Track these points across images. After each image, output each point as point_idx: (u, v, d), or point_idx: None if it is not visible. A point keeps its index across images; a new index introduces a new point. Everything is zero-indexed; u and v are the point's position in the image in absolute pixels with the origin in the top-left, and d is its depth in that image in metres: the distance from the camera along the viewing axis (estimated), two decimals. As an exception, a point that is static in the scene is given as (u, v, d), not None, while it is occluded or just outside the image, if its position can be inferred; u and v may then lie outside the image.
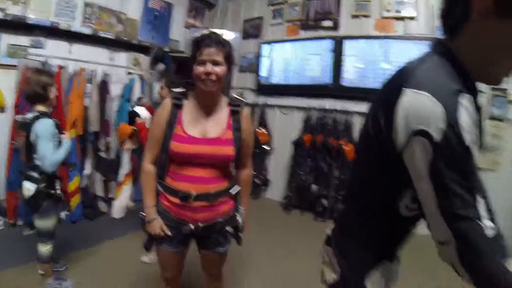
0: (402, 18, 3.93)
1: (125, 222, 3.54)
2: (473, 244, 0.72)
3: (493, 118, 3.68)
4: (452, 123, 0.68)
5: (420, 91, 0.71)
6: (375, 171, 0.90)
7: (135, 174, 3.68)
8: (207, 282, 1.91)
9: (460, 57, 0.78)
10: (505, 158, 3.64)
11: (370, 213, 0.96)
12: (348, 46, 4.08)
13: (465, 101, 0.70)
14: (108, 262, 2.72)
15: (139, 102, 3.72)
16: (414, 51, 3.53)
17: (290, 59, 4.52)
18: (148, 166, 1.60)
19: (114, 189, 3.94)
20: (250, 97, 4.78)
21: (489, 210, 0.72)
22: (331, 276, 1.05)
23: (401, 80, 0.77)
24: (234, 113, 1.58)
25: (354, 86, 4.05)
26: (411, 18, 3.89)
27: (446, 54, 0.80)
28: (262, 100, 4.55)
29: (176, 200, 1.53)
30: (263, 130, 4.53)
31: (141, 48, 4.46)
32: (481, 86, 0.81)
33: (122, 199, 3.71)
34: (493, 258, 0.72)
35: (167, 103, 1.56)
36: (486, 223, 0.70)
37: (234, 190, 1.64)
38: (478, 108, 0.78)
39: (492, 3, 0.69)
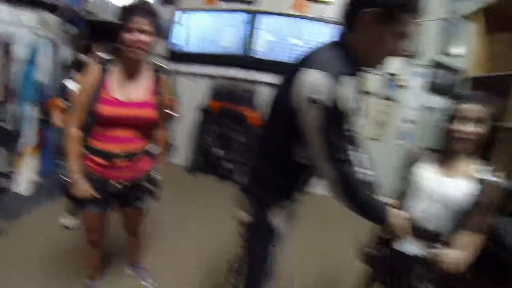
0: (318, 1, 4.21)
1: (33, 198, 3.22)
2: (347, 178, 1.10)
3: (383, 97, 4.42)
4: (337, 95, 0.99)
5: (317, 70, 1.02)
6: (280, 130, 1.21)
7: (42, 147, 3.43)
8: (130, 242, 2.11)
9: (352, 48, 1.12)
10: (391, 130, 4.50)
11: (276, 162, 1.28)
12: (263, 21, 4.30)
13: (347, 80, 1.02)
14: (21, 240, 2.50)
15: (69, 74, 3.43)
16: (325, 32, 4.00)
17: (204, 28, 4.57)
18: (73, 131, 1.62)
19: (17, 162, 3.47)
20: (162, 63, 4.61)
21: (358, 160, 1.14)
22: (246, 217, 1.39)
23: (305, 62, 1.08)
24: (156, 79, 1.72)
25: (264, 58, 4.33)
26: (327, 3, 4.19)
27: (342, 45, 1.13)
28: (173, 67, 4.47)
29: (102, 161, 1.63)
30: (172, 96, 4.45)
31: (50, 7, 3.86)
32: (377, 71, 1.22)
33: (27, 173, 3.35)
34: (362, 191, 1.14)
35: (94, 68, 1.60)
36: (356, 168, 1.11)
37: (153, 149, 1.80)
38: (358, 86, 1.13)
39: (377, 16, 1.05)
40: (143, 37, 1.52)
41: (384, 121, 4.47)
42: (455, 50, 4.29)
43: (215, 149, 4.41)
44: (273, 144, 1.27)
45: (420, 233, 1.39)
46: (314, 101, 1.01)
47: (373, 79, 4.34)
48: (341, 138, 1.07)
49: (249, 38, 4.35)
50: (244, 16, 4.37)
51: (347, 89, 1.01)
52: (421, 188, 1.43)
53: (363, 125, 4.42)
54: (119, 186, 1.69)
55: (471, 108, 1.31)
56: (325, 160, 1.08)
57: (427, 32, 4.33)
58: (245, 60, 4.40)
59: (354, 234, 1.59)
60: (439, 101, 4.27)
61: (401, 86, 4.39)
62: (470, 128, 1.31)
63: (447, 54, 4.34)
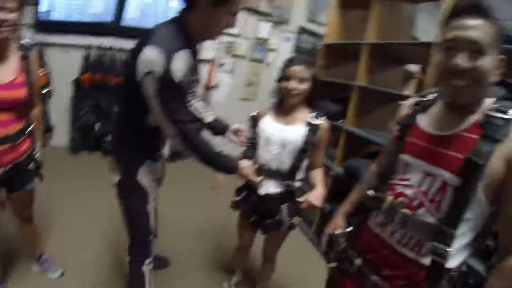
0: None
1: None
2: (188, 135, 1.29)
3: (254, 60, 4.72)
4: (169, 67, 1.15)
5: (153, 46, 1.15)
6: (131, 97, 1.33)
7: None
8: (26, 232, 1.96)
9: (189, 25, 1.27)
10: (262, 90, 4.88)
11: (132, 126, 1.41)
12: None
13: (181, 54, 1.19)
14: None
15: None
16: None
17: None
18: None
19: None
20: (29, 35, 3.81)
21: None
22: (116, 178, 1.47)
23: (146, 38, 1.20)
24: (23, 55, 1.58)
25: (134, 25, 4.11)
26: None
27: (180, 22, 1.28)
28: (41, 38, 3.86)
29: None
30: (42, 71, 3.95)
31: None
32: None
33: None
34: (200, 140, 1.33)
35: None
36: (194, 124, 1.34)
37: (30, 128, 1.69)
38: (195, 58, 1.35)
39: (213, 0, 1.20)
40: (3, 15, 1.36)
41: (255, 82, 4.80)
42: (320, 19, 4.81)
43: (93, 124, 4.07)
44: (128, 109, 1.41)
45: (272, 174, 1.62)
46: (149, 73, 1.16)
47: (244, 44, 4.57)
48: (179, 102, 1.27)
49: (121, 3, 4.02)
50: None
51: (180, 61, 1.18)
52: (266, 137, 1.64)
53: (234, 86, 4.70)
54: (0, 172, 1.53)
55: (295, 69, 1.55)
56: (165, 121, 1.26)
57: (297, 2, 4.77)
58: (115, 28, 4.08)
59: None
60: None
61: (271, 50, 4.76)
62: (294, 85, 1.55)
63: (313, 22, 4.86)
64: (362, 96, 2.75)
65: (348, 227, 1.21)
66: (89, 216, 2.70)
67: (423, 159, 0.96)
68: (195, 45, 1.37)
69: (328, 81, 3.06)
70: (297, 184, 1.65)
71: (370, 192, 1.12)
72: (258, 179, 1.55)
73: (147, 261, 1.57)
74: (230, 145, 1.76)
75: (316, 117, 1.61)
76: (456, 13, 0.87)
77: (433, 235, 0.90)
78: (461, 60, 0.83)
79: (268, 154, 1.62)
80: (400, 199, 0.99)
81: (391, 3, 2.78)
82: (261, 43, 4.70)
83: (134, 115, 1.37)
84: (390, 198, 1.01)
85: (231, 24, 1.32)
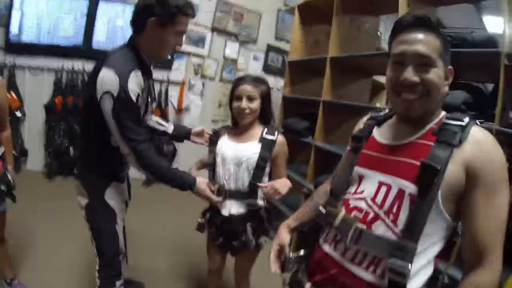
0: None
1: None
2: (141, 153, 1.34)
3: (224, 81, 4.72)
4: (123, 87, 1.25)
5: (109, 68, 1.25)
6: (93, 118, 1.36)
7: None
8: None
9: (141, 47, 1.38)
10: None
11: (96, 147, 1.46)
12: (103, 8, 4.02)
13: (134, 74, 1.28)
14: None
15: None
16: None
17: (43, 15, 3.96)
18: None
19: None
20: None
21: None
22: (84, 201, 1.49)
23: (102, 61, 1.30)
24: None
25: (103, 48, 3.99)
26: None
27: (132, 45, 1.38)
28: (11, 60, 3.81)
29: None
30: (13, 95, 3.83)
31: None
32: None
33: None
34: (153, 158, 1.38)
35: None
36: (148, 143, 1.38)
37: (1, 151, 1.72)
38: (149, 77, 1.46)
39: (158, 23, 1.32)
40: None
41: (226, 102, 4.73)
42: (287, 36, 4.81)
43: (67, 148, 4.01)
44: (91, 131, 1.46)
45: (233, 194, 1.60)
46: (106, 92, 1.25)
47: (212, 65, 4.57)
48: (133, 121, 1.32)
49: (90, 27, 3.99)
50: (84, 3, 3.96)
51: (133, 81, 1.28)
52: (222, 157, 1.63)
53: (205, 108, 4.66)
54: None
55: (244, 89, 1.57)
56: (120, 139, 1.32)
57: (265, 21, 4.82)
58: (86, 51, 4.02)
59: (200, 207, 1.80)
60: (273, 81, 4.78)
61: (240, 70, 4.76)
62: (244, 104, 1.56)
63: (281, 39, 4.92)
64: (329, 111, 2.75)
65: (300, 249, 1.11)
66: (63, 240, 2.65)
67: (377, 170, 0.92)
68: (148, 66, 1.44)
69: (294, 97, 3.06)
70: (260, 202, 1.63)
71: (322, 209, 1.03)
72: (215, 197, 1.54)
73: (118, 282, 1.55)
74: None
75: (270, 132, 1.61)
76: (403, 27, 0.88)
77: (391, 251, 0.82)
78: (410, 74, 0.84)
79: (226, 174, 1.61)
80: (354, 213, 0.92)
81: (352, 16, 2.82)
82: (230, 63, 4.70)
83: (96, 136, 1.41)
84: (342, 213, 0.93)
85: (179, 44, 1.42)
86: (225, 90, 4.72)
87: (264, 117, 1.65)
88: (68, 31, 3.99)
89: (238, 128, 1.66)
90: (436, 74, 0.85)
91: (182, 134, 1.86)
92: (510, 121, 1.82)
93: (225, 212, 1.61)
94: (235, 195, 1.60)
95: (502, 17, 1.72)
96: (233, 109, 1.61)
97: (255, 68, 4.85)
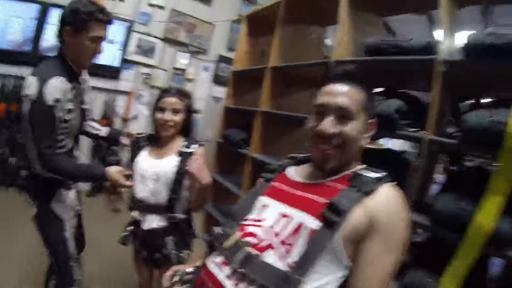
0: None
1: None
2: (47, 157, 1.38)
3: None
4: (41, 91, 1.31)
5: (33, 76, 1.35)
6: (27, 126, 1.39)
7: None
8: None
9: (67, 57, 1.45)
10: None
11: (37, 155, 1.42)
12: (54, 14, 3.76)
13: (55, 79, 1.34)
14: None
15: None
16: (119, 30, 3.79)
17: None
18: None
19: None
20: None
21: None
22: (33, 212, 1.52)
23: (33, 70, 1.41)
24: None
25: (52, 55, 3.78)
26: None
27: (60, 55, 1.47)
28: None
29: None
30: None
31: None
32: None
33: None
34: (59, 160, 1.41)
35: None
36: (56, 149, 1.41)
37: None
38: (75, 81, 1.50)
39: (72, 31, 1.39)
40: None
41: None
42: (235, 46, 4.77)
43: (7, 158, 3.77)
44: (27, 138, 1.45)
45: (152, 208, 1.58)
46: (25, 96, 1.33)
47: (162, 75, 4.45)
48: (46, 127, 1.36)
49: (39, 32, 3.77)
50: (34, 8, 3.74)
51: (53, 86, 1.34)
52: (141, 173, 1.59)
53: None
54: None
55: (169, 101, 1.57)
56: (30, 141, 1.36)
57: (218, 32, 4.74)
58: (34, 57, 3.72)
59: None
60: (222, 91, 4.66)
61: (190, 80, 4.63)
62: (168, 116, 1.56)
63: (233, 50, 4.76)
64: (268, 122, 2.66)
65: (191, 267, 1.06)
66: (7, 254, 2.53)
67: (282, 201, 0.92)
68: (76, 73, 1.52)
69: (235, 108, 3.00)
70: (181, 216, 1.61)
71: (217, 229, 0.99)
72: (128, 182, 1.54)
73: None
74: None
75: (188, 145, 1.60)
76: (329, 79, 0.93)
77: (277, 281, 0.77)
78: (328, 125, 0.87)
79: (145, 190, 1.58)
80: (248, 238, 0.88)
81: (296, 26, 2.76)
82: (180, 74, 4.57)
83: (32, 143, 1.42)
84: (236, 235, 0.90)
85: (97, 50, 1.49)
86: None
87: (186, 130, 1.66)
88: (16, 36, 3.77)
89: (159, 140, 1.65)
90: (355, 127, 0.88)
91: (115, 135, 1.89)
92: (448, 130, 1.76)
93: (145, 226, 1.58)
94: (155, 209, 1.58)
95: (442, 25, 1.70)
96: (155, 120, 1.59)
97: (204, 78, 4.75)
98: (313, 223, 0.82)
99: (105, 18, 1.45)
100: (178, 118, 1.58)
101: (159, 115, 1.57)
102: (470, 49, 1.51)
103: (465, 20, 2.78)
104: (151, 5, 4.22)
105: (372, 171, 0.88)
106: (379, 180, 0.85)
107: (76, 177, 1.49)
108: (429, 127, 1.61)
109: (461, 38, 1.65)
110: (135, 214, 1.59)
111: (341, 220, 0.79)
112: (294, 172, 1.02)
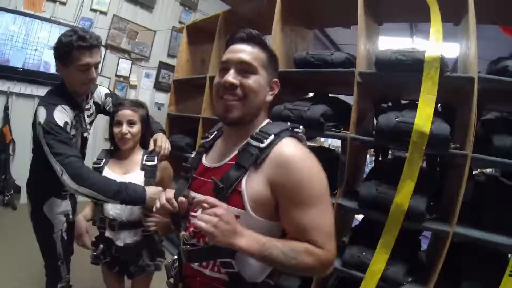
0: (54, 0, 3.82)
1: None
2: (69, 166, 1.36)
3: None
4: (50, 119, 1.39)
5: (40, 106, 1.43)
6: (36, 146, 1.51)
7: None
8: None
9: (67, 85, 1.52)
10: None
11: (39, 167, 1.59)
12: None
13: (59, 108, 1.44)
14: None
15: None
16: (55, 35, 3.62)
17: None
18: None
19: None
20: None
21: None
22: (30, 213, 1.63)
23: (40, 101, 1.50)
24: None
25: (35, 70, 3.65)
26: (63, 3, 3.88)
27: (61, 85, 1.55)
28: None
29: None
30: None
31: None
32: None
33: None
34: (86, 171, 1.40)
35: None
36: (76, 157, 1.43)
37: None
38: (78, 110, 1.58)
39: (61, 63, 1.45)
40: None
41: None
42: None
43: None
44: (36, 155, 1.60)
45: (125, 225, 1.57)
46: (38, 124, 1.39)
47: (104, 83, 4.33)
48: (59, 141, 1.38)
49: None
50: None
51: (59, 113, 1.42)
52: None
53: (96, 125, 4.32)
54: None
55: (124, 113, 1.57)
56: (51, 159, 1.37)
57: (158, 39, 4.78)
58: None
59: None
60: (164, 97, 4.77)
61: (132, 87, 4.64)
62: (125, 129, 1.55)
63: (174, 57, 4.87)
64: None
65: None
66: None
67: (198, 191, 0.97)
68: (77, 101, 1.58)
69: (178, 115, 3.04)
70: (154, 227, 1.59)
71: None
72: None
73: (59, 285, 1.68)
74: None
75: (150, 158, 1.60)
76: (234, 40, 0.96)
77: (219, 255, 0.89)
78: (230, 77, 0.90)
79: (115, 209, 1.56)
80: (191, 229, 0.95)
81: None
82: (122, 81, 4.55)
83: (39, 159, 1.49)
84: (181, 234, 0.95)
85: (88, 78, 1.48)
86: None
87: (144, 141, 1.66)
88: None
89: (119, 154, 1.64)
90: (256, 80, 0.91)
91: None
92: (370, 129, 2.02)
93: (120, 243, 1.57)
94: (129, 226, 1.57)
95: (360, 40, 1.96)
96: (114, 134, 1.58)
97: (147, 85, 4.77)
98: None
99: (85, 44, 1.40)
100: (135, 129, 1.57)
101: (116, 129, 1.56)
102: (379, 64, 1.82)
103: (392, 28, 3.13)
104: (93, 10, 4.12)
105: (258, 138, 0.89)
106: (265, 148, 0.87)
107: (109, 194, 1.35)
108: (351, 127, 1.88)
109: (389, 46, 1.95)
110: (108, 233, 1.56)
111: (224, 197, 0.85)
112: (207, 157, 1.04)
